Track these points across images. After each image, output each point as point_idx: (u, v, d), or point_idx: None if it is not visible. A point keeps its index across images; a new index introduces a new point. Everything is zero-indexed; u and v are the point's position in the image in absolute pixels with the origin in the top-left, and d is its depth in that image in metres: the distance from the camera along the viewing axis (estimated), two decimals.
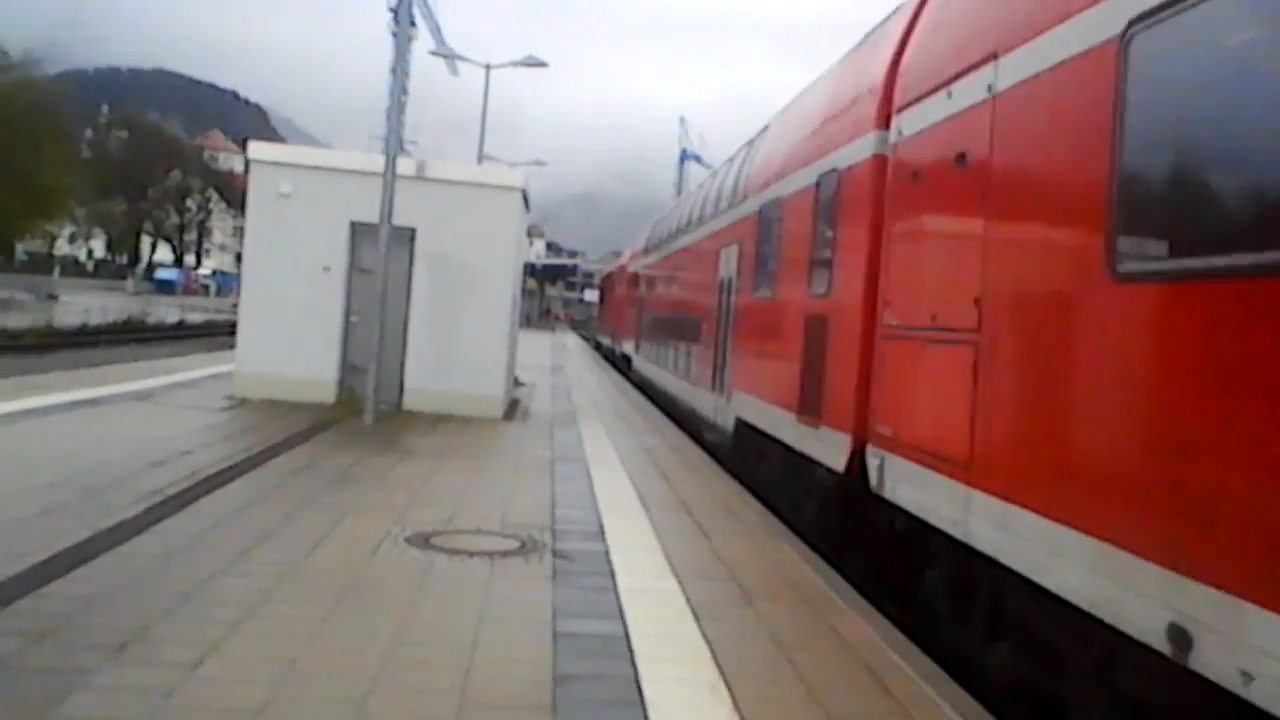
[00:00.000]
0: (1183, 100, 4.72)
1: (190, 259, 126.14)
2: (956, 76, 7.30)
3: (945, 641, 7.25)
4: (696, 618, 6.77)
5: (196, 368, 21.46)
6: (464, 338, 16.99)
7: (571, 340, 59.25)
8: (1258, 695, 3.85)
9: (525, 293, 32.41)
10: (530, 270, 66.57)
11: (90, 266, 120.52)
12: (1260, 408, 3.99)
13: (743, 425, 13.73)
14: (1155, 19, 4.86)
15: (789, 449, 11.04)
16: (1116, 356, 5.10)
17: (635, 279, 36.11)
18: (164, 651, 5.36)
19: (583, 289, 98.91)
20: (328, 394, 16.62)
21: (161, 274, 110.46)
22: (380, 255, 15.47)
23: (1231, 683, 3.98)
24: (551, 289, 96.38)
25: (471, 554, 7.99)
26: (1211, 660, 4.11)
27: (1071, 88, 5.68)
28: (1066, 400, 5.59)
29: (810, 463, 10.22)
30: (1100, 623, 4.94)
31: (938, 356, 7.28)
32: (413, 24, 18.01)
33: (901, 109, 8.51)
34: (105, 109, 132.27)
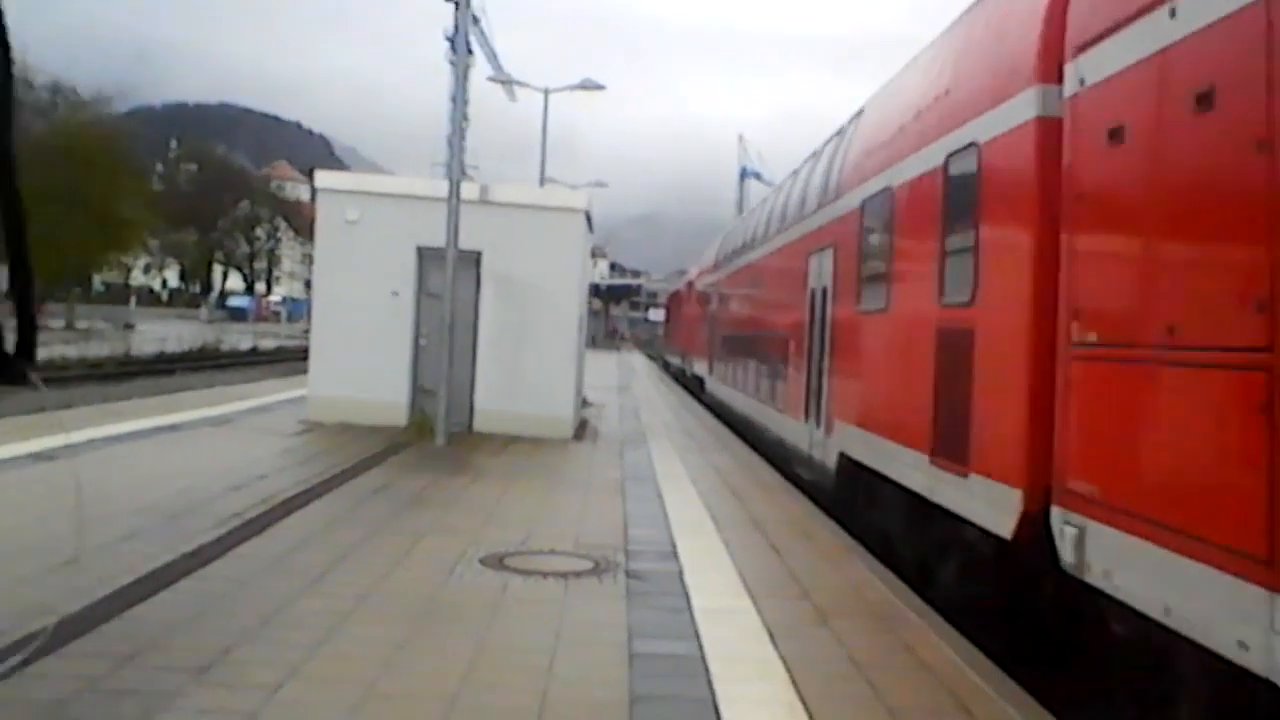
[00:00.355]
0: None
1: (261, 286, 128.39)
2: None
3: None
4: (772, 638, 6.72)
5: (270, 393, 21.81)
6: (532, 359, 17.09)
7: (638, 360, 59.31)
8: None
9: (591, 313, 32.44)
10: (595, 291, 66.81)
11: (165, 296, 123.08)
12: None
13: (849, 463, 11.64)
14: None
15: (919, 498, 8.95)
16: None
17: (706, 295, 33.84)
18: (245, 674, 5.43)
19: (647, 308, 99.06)
20: (399, 417, 16.79)
21: (233, 302, 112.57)
22: (447, 279, 15.64)
23: None
24: (616, 309, 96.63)
25: (546, 575, 8.01)
26: None
27: None
28: None
29: (952, 519, 8.12)
30: None
31: (1189, 386, 5.21)
32: (470, 52, 18.24)
33: (1083, 48, 6.48)
34: (174, 143, 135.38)
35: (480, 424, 17.04)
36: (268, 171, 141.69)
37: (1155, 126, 5.69)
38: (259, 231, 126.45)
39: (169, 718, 4.81)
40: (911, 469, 9.16)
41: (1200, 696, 5.26)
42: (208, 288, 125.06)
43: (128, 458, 12.34)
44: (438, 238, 15.87)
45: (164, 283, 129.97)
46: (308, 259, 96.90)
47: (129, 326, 61.83)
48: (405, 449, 14.63)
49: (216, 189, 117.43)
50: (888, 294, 10.50)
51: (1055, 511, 6.43)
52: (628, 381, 36.27)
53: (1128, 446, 5.77)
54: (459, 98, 17.80)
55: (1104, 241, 6.28)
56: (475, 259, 16.93)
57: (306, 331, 21.26)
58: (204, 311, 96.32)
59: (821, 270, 13.95)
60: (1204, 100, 5.14)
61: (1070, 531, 6.21)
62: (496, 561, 8.29)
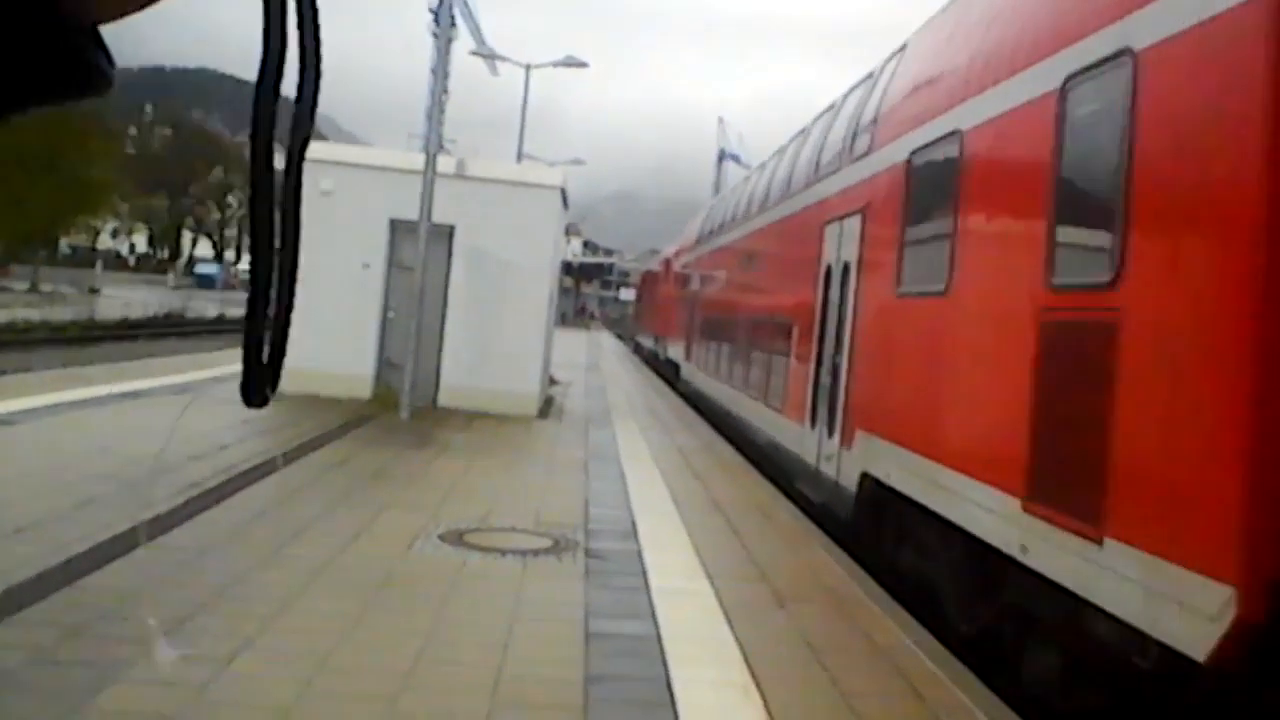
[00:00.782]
0: None
1: (230, 255, 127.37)
2: None
3: None
4: (729, 619, 6.74)
5: (235, 362, 21.51)
6: (500, 335, 17.03)
7: (607, 339, 59.28)
8: None
9: (561, 291, 32.32)
10: (567, 269, 66.70)
11: (132, 261, 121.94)
12: None
13: (876, 488, 9.32)
14: None
15: (996, 554, 6.53)
16: None
17: (686, 274, 30.93)
18: (199, 646, 5.39)
19: (619, 288, 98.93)
20: (364, 390, 16.71)
21: (201, 269, 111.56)
22: (419, 252, 15.56)
23: None
24: (587, 287, 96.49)
25: (505, 552, 8.00)
26: None
27: None
28: None
29: (1062, 599, 5.69)
30: None
31: None
32: (453, 25, 18.08)
33: None
34: (149, 107, 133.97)
35: (445, 399, 16.98)
36: (243, 139, 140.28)
37: None
38: (231, 199, 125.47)
39: (119, 689, 4.77)
40: (984, 512, 6.77)
41: None
42: (176, 254, 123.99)
43: (87, 424, 12.22)
44: (411, 210, 15.77)
45: (132, 248, 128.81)
46: None
47: (94, 291, 61.24)
48: (368, 422, 14.57)
49: (190, 154, 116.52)
50: (949, 272, 7.97)
51: None
52: (596, 360, 36.25)
53: None
54: (440, 70, 17.65)
55: None
56: (448, 233, 16.84)
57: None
58: (171, 278, 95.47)
59: (841, 243, 11.57)
60: None
61: None
62: (456, 538, 8.28)
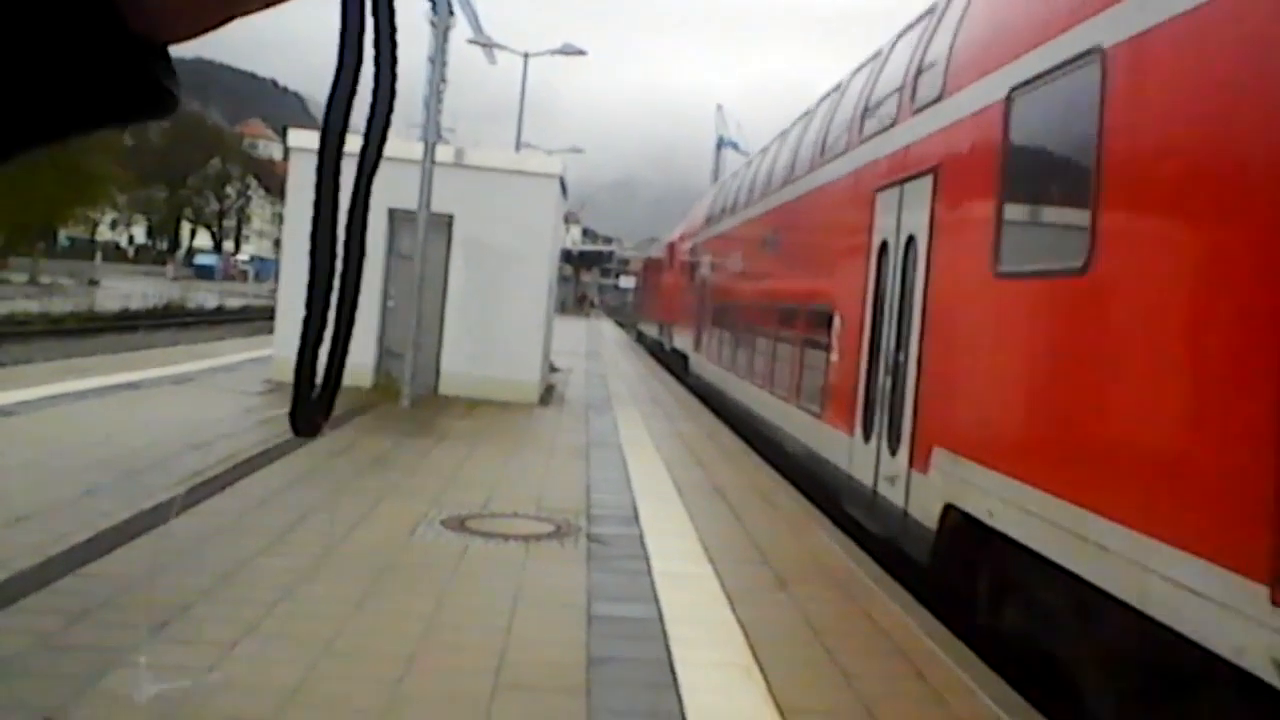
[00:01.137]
0: None
1: (229, 245, 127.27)
2: None
3: None
4: (730, 602, 6.76)
5: (235, 352, 21.66)
6: (500, 323, 17.03)
7: (607, 327, 59.27)
8: None
9: (561, 279, 32.25)
10: (566, 257, 66.65)
11: (131, 252, 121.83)
12: None
13: (971, 528, 7.12)
14: None
15: (1231, 669, 4.27)
16: None
17: (695, 258, 28.52)
18: (203, 630, 5.42)
19: (618, 275, 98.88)
20: (364, 378, 16.71)
21: (201, 260, 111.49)
22: (418, 241, 15.56)
23: None
24: (587, 275, 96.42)
25: (507, 537, 8.02)
26: None
27: None
28: None
29: None
30: None
31: None
32: (451, 13, 18.05)
33: None
34: None
35: (446, 387, 17.00)
36: (241, 129, 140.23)
37: None
38: (229, 189, 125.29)
39: (123, 673, 4.79)
40: (1192, 598, 4.52)
41: None
42: (175, 245, 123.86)
43: (88, 414, 12.23)
44: (410, 200, 15.75)
45: (130, 239, 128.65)
46: (278, 218, 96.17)
47: (93, 282, 61.16)
48: (369, 411, 14.57)
49: (188, 145, 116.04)
50: (1091, 242, 5.86)
51: None
52: (596, 348, 36.26)
53: None
54: (438, 59, 17.62)
55: None
56: (447, 222, 16.83)
57: (273, 291, 21.10)
58: (170, 269, 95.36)
59: (901, 213, 9.53)
60: None
61: None
62: (458, 523, 8.29)
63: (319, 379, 0.78)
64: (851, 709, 5.17)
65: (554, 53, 37.26)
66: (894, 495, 8.88)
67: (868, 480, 9.78)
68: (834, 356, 11.49)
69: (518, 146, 38.66)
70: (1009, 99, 7.34)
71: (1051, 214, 7.11)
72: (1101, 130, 5.92)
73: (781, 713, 5.00)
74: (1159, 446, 5.14)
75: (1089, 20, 6.21)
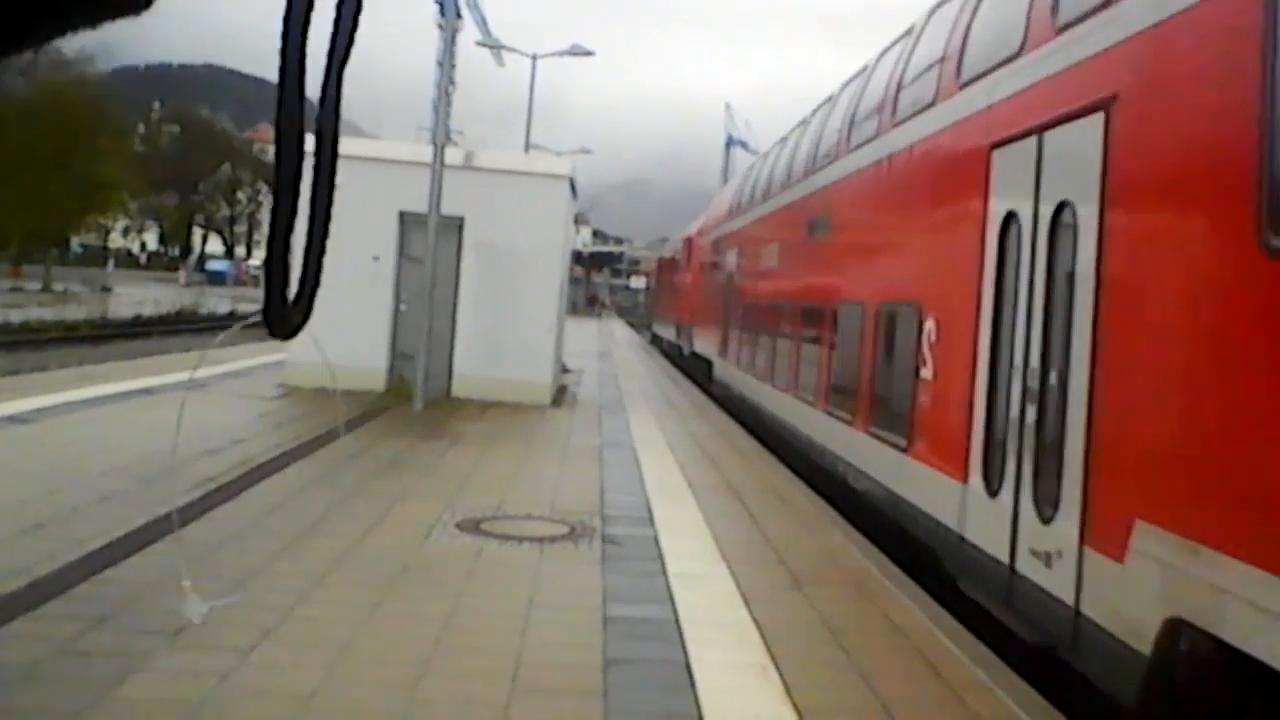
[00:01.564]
0: None
1: (241, 251, 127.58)
2: None
3: None
4: (746, 602, 6.75)
5: (248, 357, 21.69)
6: (512, 325, 17.03)
7: (618, 327, 59.28)
8: None
9: (572, 280, 32.15)
10: (577, 258, 66.71)
11: (143, 259, 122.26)
12: None
13: (1224, 658, 4.54)
14: None
15: None
16: None
17: (719, 253, 25.53)
18: (219, 636, 5.42)
19: (629, 276, 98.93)
20: (378, 382, 16.74)
21: (212, 266, 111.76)
22: (429, 244, 15.57)
23: None
24: (598, 276, 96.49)
25: (521, 539, 8.02)
26: None
27: None
28: None
29: None
30: None
31: None
32: (458, 15, 18.09)
33: None
34: (157, 104, 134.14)
35: (459, 389, 17.01)
36: (250, 134, 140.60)
37: None
38: (240, 195, 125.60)
39: (141, 679, 4.80)
40: None
41: None
42: (187, 251, 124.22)
43: (103, 421, 12.28)
44: (420, 203, 15.78)
45: (142, 245, 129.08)
46: None
47: (106, 289, 61.37)
48: (383, 414, 14.60)
49: (198, 151, 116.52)
50: None
51: None
52: (608, 349, 36.26)
53: None
54: (446, 62, 17.67)
55: None
56: (458, 224, 16.84)
57: None
58: (182, 275, 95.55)
59: (1044, 173, 6.96)
60: None
61: None
62: (472, 526, 8.30)
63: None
64: (870, 709, 5.15)
65: (562, 54, 37.30)
66: (1052, 583, 6.22)
67: (997, 551, 7.02)
68: (926, 371, 8.85)
69: (527, 148, 38.70)
70: None
71: None
72: None
73: (799, 713, 4.99)
74: None
75: None
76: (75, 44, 67.58)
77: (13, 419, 11.54)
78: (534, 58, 38.78)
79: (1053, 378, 6.52)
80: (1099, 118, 6.24)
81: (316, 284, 0.80)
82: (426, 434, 13.16)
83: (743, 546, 8.39)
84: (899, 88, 11.07)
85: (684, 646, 5.78)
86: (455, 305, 17.05)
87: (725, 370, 22.56)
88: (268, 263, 0.76)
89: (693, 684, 5.23)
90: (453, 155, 16.80)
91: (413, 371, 15.71)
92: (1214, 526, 4.69)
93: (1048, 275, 6.78)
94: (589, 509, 9.30)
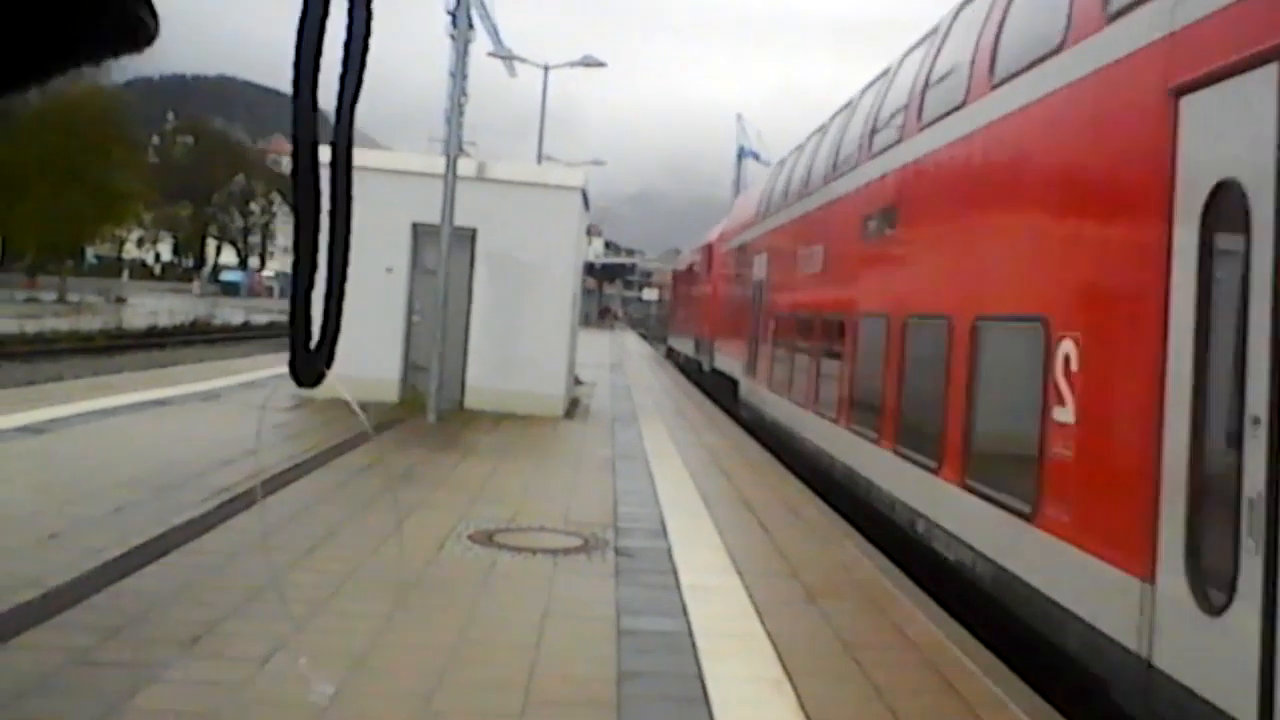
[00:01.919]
0: None
1: (254, 261, 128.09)
2: None
3: None
4: (760, 615, 6.74)
5: (262, 368, 21.76)
6: (525, 337, 17.05)
7: (631, 339, 59.31)
8: None
9: (584, 292, 32.12)
10: (589, 269, 66.78)
11: (157, 270, 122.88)
12: None
13: None
14: None
15: None
16: None
17: (745, 262, 22.84)
18: (234, 646, 5.43)
19: (641, 288, 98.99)
20: (391, 393, 16.77)
21: (226, 276, 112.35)
22: (442, 256, 15.60)
23: None
24: (610, 288, 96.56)
25: (535, 551, 8.02)
26: None
27: None
28: None
29: None
30: None
31: None
32: (471, 27, 18.17)
33: None
34: (171, 116, 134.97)
35: (472, 401, 17.03)
36: (264, 146, 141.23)
37: None
38: (254, 206, 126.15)
39: (157, 689, 4.81)
40: None
41: None
42: (201, 262, 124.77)
43: (118, 431, 12.32)
44: (433, 214, 15.81)
45: (157, 256, 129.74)
46: None
47: (120, 300, 61.65)
48: (396, 425, 14.63)
49: (212, 162, 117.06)
50: None
51: None
52: (620, 360, 36.27)
53: None
54: (458, 73, 17.77)
55: None
56: (471, 236, 16.88)
57: None
58: (197, 286, 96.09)
59: None
60: None
61: None
62: (486, 538, 8.30)
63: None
64: None
65: (574, 65, 37.37)
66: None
67: (1227, 701, 4.47)
68: (1062, 411, 6.41)
69: (539, 159, 38.77)
70: None
71: None
72: None
73: None
74: None
75: None
76: None
77: (28, 429, 11.59)
78: (546, 68, 38.87)
79: None
80: None
81: (337, 331, 0.83)
82: (440, 446, 13.18)
83: (756, 559, 8.37)
84: (996, 38, 8.52)
85: (697, 659, 5.77)
86: (468, 317, 17.08)
87: (751, 390, 19.93)
88: (292, 316, 0.79)
89: (706, 697, 5.22)
90: (465, 166, 16.84)
91: (426, 383, 15.72)
92: None
93: None
94: (602, 521, 9.29)
